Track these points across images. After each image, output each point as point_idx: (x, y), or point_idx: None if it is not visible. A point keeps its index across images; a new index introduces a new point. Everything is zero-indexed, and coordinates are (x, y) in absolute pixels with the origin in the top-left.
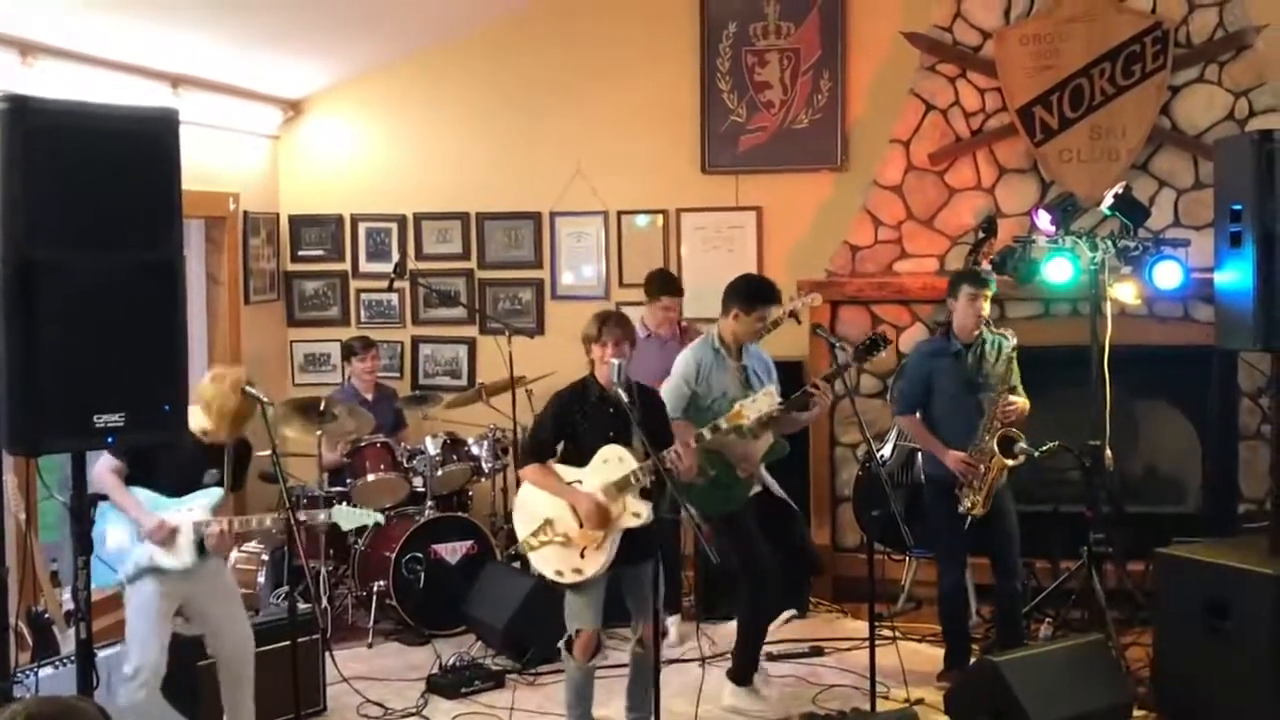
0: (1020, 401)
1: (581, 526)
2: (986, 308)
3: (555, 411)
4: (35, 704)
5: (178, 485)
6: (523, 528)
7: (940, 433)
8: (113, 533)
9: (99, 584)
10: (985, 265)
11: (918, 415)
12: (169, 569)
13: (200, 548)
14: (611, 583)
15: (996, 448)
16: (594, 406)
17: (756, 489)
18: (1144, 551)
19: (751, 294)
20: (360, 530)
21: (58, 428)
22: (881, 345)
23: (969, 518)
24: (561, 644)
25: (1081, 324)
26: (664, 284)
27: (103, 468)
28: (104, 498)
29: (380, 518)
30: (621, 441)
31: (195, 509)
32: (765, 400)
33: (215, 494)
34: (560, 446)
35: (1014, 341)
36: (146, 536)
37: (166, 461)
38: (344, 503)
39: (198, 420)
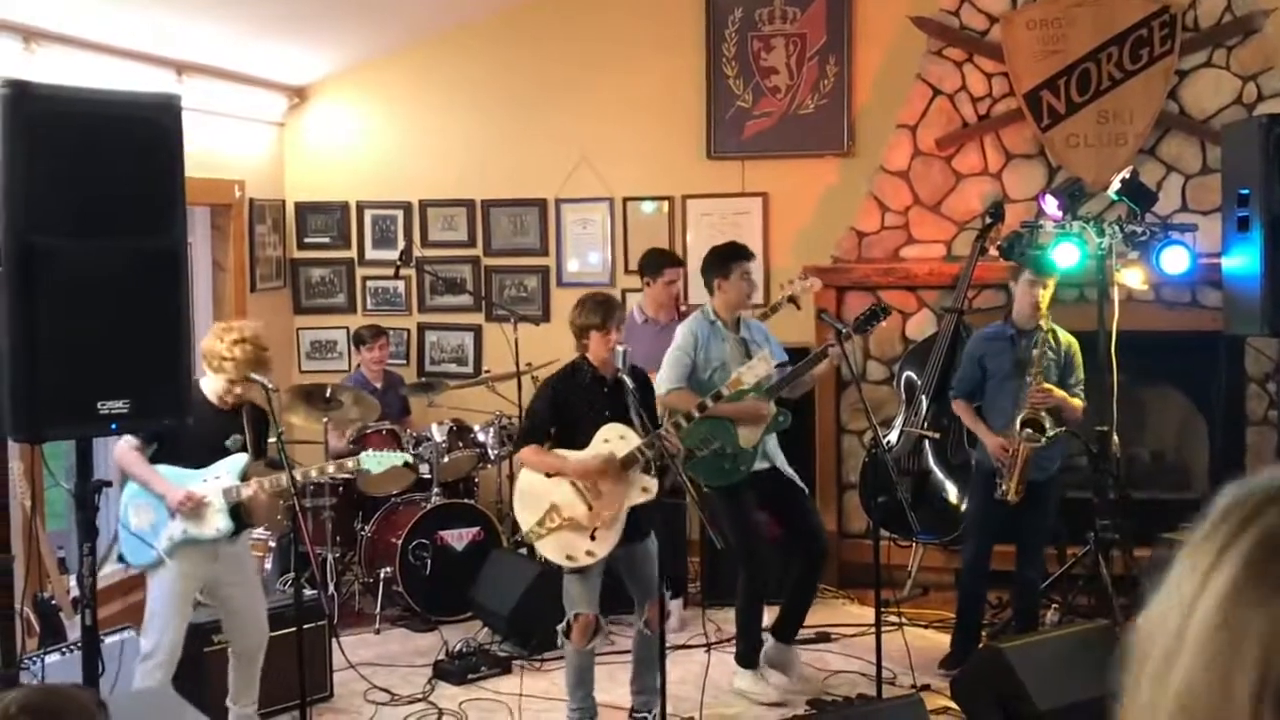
0: (1057, 391)
1: (591, 509)
2: (1045, 297)
3: (549, 395)
4: (27, 695)
5: (201, 456)
6: (527, 516)
7: (986, 416)
8: (142, 509)
9: (135, 562)
10: (993, 251)
11: (967, 402)
12: (204, 539)
13: (234, 516)
14: (609, 566)
15: (1018, 431)
16: (587, 388)
17: (764, 465)
18: (1151, 537)
19: (724, 257)
20: (368, 517)
21: (61, 415)
22: (881, 315)
23: (1003, 504)
24: (560, 628)
25: (1089, 309)
26: (667, 258)
27: (124, 445)
28: (109, 484)
29: (409, 457)
30: (618, 419)
31: (222, 476)
32: (761, 365)
33: (240, 459)
34: (555, 432)
35: (1065, 342)
36: (174, 509)
37: (186, 434)
38: (354, 487)
39: (211, 385)
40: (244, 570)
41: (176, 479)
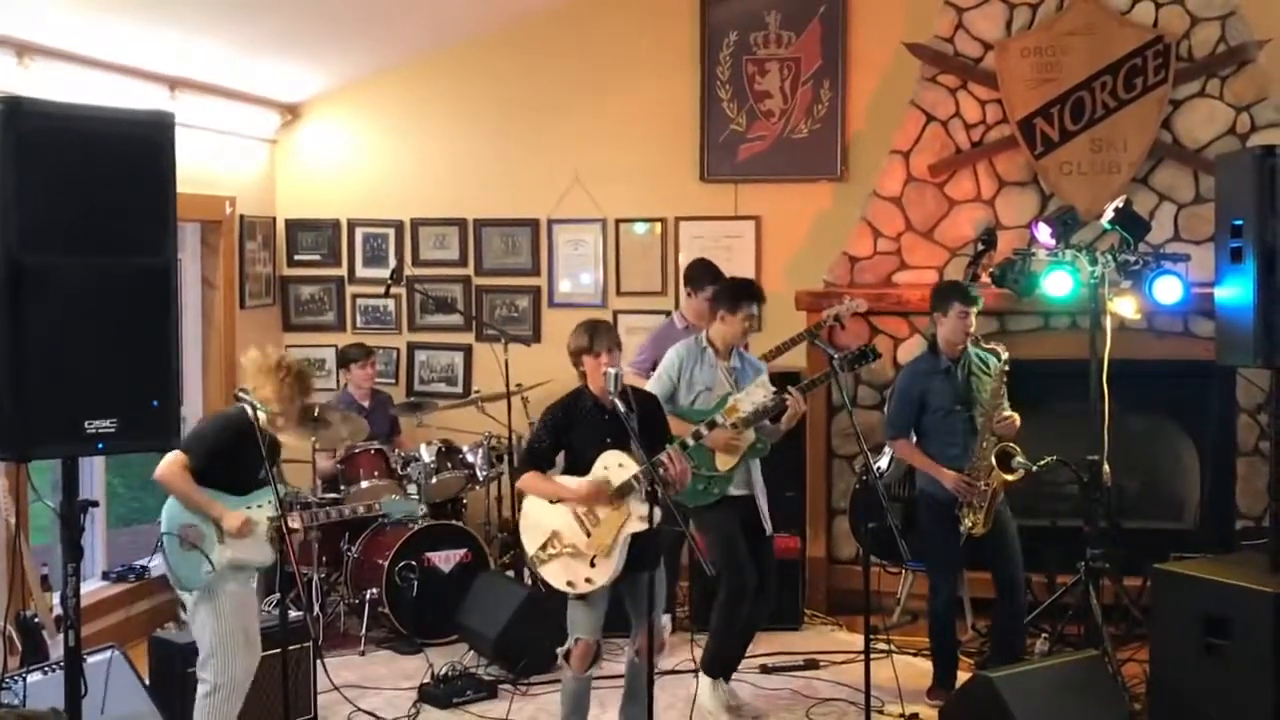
0: (1014, 415)
1: (589, 536)
2: (974, 324)
3: (550, 422)
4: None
5: (248, 483)
6: (530, 542)
7: (929, 451)
8: (189, 531)
9: (190, 586)
10: (985, 278)
11: (911, 438)
12: (252, 565)
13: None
14: (613, 591)
15: (995, 463)
16: (588, 415)
17: (744, 492)
18: (1141, 567)
19: (736, 294)
20: (354, 537)
21: (48, 433)
22: (870, 356)
23: (966, 536)
24: (560, 652)
25: (1081, 338)
26: (711, 273)
27: (175, 466)
28: (95, 503)
29: (424, 509)
30: (619, 447)
31: (264, 505)
32: (759, 391)
33: (279, 490)
34: (560, 458)
35: (1005, 356)
36: (232, 534)
37: (244, 460)
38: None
39: (265, 412)
40: (251, 594)
41: (231, 505)
